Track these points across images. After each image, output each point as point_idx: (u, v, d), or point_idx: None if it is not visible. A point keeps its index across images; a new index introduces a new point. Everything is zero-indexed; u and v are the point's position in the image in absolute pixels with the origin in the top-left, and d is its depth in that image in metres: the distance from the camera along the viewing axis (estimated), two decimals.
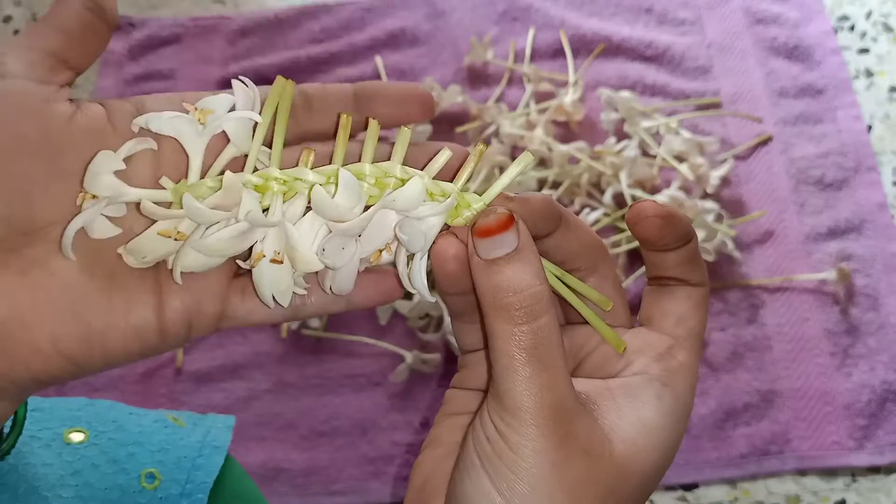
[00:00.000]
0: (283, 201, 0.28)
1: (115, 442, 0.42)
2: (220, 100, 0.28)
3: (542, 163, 0.78)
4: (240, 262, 0.28)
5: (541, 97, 0.84)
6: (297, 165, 0.28)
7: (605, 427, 0.27)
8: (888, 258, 0.75)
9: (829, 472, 0.68)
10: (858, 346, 0.72)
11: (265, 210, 0.27)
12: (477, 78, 0.87)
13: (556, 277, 0.29)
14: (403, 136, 0.28)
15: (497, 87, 0.85)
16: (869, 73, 0.86)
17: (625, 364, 0.29)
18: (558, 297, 0.30)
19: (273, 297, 0.28)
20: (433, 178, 0.28)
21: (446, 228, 0.28)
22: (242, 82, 0.28)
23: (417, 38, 0.89)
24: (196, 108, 0.27)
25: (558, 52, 0.87)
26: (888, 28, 0.88)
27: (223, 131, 0.28)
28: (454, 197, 0.28)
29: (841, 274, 0.72)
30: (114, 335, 0.27)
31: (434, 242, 0.27)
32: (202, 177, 0.28)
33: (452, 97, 0.81)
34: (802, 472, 0.69)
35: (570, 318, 0.31)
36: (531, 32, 0.88)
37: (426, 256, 0.28)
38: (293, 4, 0.93)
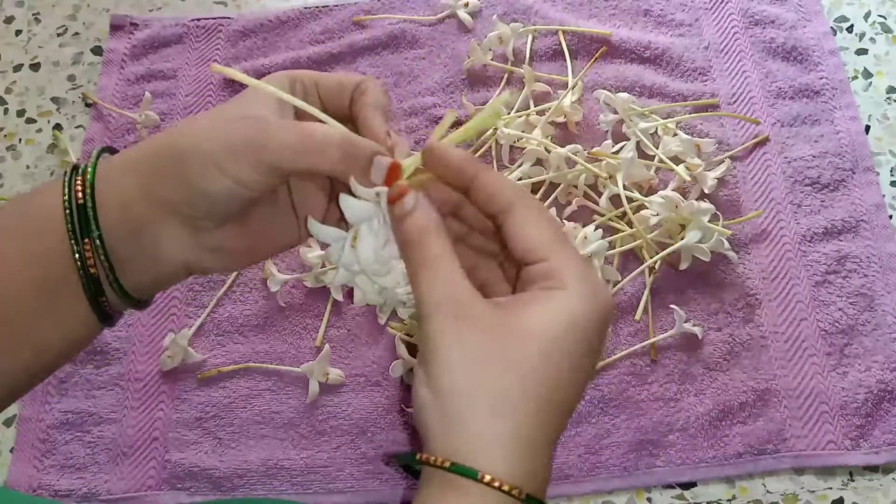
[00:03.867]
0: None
1: None
2: None
3: (539, 163, 0.79)
4: None
5: (540, 99, 0.84)
6: None
7: (507, 310, 0.35)
8: (885, 258, 0.76)
9: (827, 471, 0.69)
10: (854, 345, 0.72)
11: None
12: (476, 79, 0.87)
13: None
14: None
15: (496, 88, 0.86)
16: (867, 74, 0.86)
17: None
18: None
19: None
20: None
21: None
22: None
23: (417, 39, 0.90)
24: None
25: (557, 54, 0.87)
26: (887, 29, 0.88)
27: None
28: None
29: None
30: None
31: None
32: None
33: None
34: (799, 471, 0.69)
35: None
36: (530, 34, 0.88)
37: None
38: (294, 6, 0.94)
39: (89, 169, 0.39)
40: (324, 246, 0.76)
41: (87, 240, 0.38)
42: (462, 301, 0.35)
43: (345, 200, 0.37)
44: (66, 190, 0.38)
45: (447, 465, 0.33)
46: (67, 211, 0.38)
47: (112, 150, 0.43)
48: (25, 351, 0.38)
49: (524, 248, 0.36)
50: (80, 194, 0.38)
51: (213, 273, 0.42)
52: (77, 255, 0.38)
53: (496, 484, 0.32)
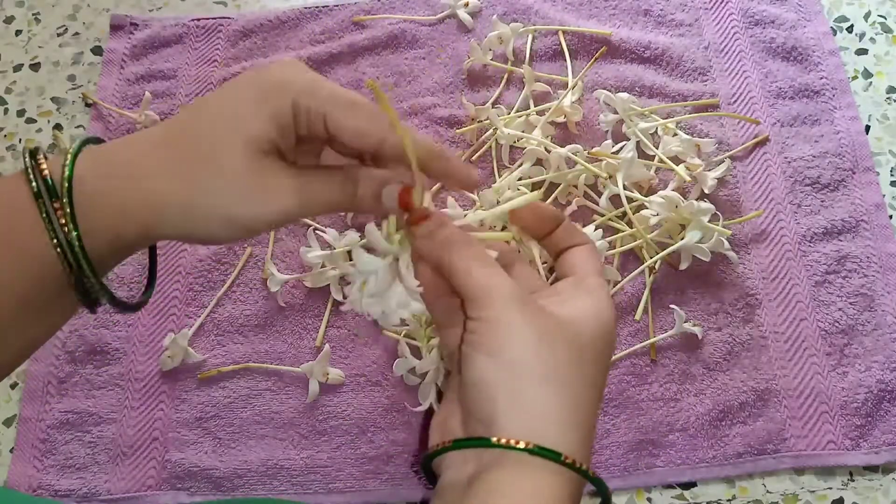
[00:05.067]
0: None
1: None
2: None
3: (539, 163, 0.79)
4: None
5: (540, 99, 0.84)
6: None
7: (554, 304, 0.38)
8: (885, 258, 0.76)
9: (827, 471, 0.69)
10: (854, 345, 0.72)
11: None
12: (476, 79, 0.87)
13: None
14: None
15: (496, 88, 0.86)
16: (867, 74, 0.86)
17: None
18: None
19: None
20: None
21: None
22: None
23: (417, 39, 0.90)
24: None
25: (557, 54, 0.87)
26: (887, 29, 0.88)
27: None
28: None
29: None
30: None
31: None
32: None
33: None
34: (800, 471, 0.69)
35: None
36: (530, 34, 0.88)
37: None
38: (294, 6, 0.94)
39: (72, 230, 0.36)
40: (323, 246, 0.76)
41: (86, 279, 0.37)
42: (521, 292, 0.37)
43: (357, 255, 0.40)
44: (57, 241, 0.36)
45: (531, 447, 0.34)
46: (65, 262, 0.36)
47: (97, 140, 0.41)
48: (14, 348, 0.38)
49: (573, 266, 0.41)
50: (70, 235, 0.36)
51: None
52: (80, 295, 0.37)
53: (577, 465, 0.34)
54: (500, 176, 0.80)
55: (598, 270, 0.41)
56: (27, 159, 0.38)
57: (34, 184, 0.37)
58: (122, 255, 0.39)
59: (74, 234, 0.36)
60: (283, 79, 0.39)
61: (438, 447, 0.37)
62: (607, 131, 0.81)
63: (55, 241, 0.36)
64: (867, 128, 0.83)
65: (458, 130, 0.83)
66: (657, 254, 0.74)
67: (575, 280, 0.40)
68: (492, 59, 0.86)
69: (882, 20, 0.89)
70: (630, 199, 0.75)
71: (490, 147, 0.82)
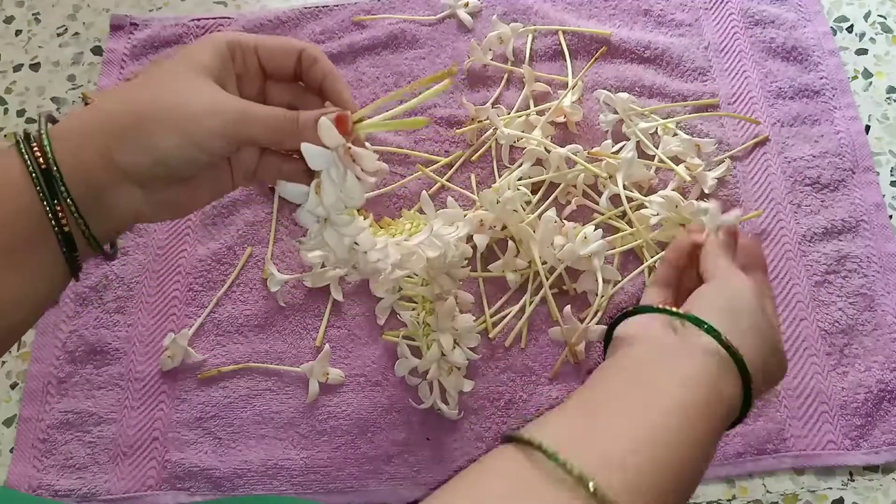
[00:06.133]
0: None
1: None
2: None
3: (539, 163, 0.79)
4: None
5: (540, 99, 0.84)
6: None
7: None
8: (885, 258, 0.76)
9: (827, 471, 0.69)
10: (854, 345, 0.72)
11: None
12: (476, 79, 0.87)
13: None
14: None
15: (496, 88, 0.86)
16: (867, 74, 0.86)
17: None
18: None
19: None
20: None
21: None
22: None
23: (417, 39, 0.90)
24: None
25: (557, 54, 0.87)
26: (887, 29, 0.88)
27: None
28: None
29: None
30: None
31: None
32: None
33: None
34: (799, 471, 0.69)
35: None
36: (530, 34, 0.88)
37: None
38: (294, 6, 0.94)
39: (45, 139, 0.41)
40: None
41: (59, 204, 0.41)
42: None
43: (307, 149, 0.44)
44: (27, 157, 0.41)
45: (685, 313, 0.48)
46: (34, 175, 0.40)
47: (54, 120, 0.46)
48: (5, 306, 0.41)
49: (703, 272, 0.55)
50: (41, 160, 0.41)
51: (156, 221, 0.48)
52: (51, 217, 0.41)
53: (724, 339, 0.46)
54: (500, 176, 0.80)
55: (718, 266, 0.54)
56: (20, 139, 0.42)
57: (19, 143, 0.42)
58: (99, 208, 0.42)
59: (47, 145, 0.41)
60: (220, 34, 0.48)
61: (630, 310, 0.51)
62: (607, 131, 0.81)
63: (30, 168, 0.40)
64: (867, 128, 0.83)
65: (458, 130, 0.83)
66: (657, 254, 0.74)
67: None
68: (492, 59, 0.87)
69: (882, 20, 0.89)
70: (630, 199, 0.75)
71: (490, 147, 0.82)
